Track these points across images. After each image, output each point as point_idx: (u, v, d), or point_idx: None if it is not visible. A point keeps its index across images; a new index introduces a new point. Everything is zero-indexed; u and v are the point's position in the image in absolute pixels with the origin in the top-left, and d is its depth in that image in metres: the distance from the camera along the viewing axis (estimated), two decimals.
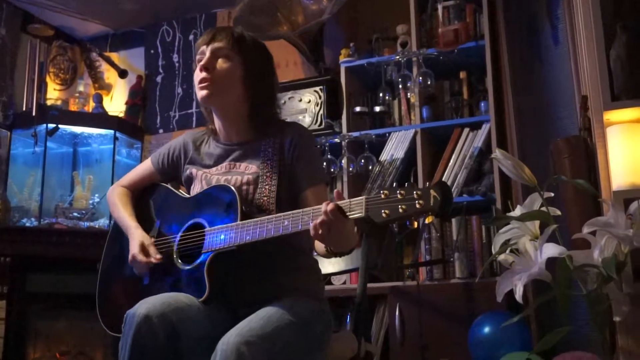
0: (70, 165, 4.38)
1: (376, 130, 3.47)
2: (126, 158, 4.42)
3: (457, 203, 3.06)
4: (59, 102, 4.42)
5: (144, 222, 2.00)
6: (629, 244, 1.72)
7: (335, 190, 1.60)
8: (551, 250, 1.67)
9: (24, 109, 4.22)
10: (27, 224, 3.92)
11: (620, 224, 1.71)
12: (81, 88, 4.54)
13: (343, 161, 3.41)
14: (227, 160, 1.96)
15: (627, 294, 1.81)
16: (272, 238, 1.68)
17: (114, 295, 2.03)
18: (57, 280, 3.81)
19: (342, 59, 3.59)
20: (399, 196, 1.46)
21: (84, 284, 3.51)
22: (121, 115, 4.44)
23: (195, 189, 1.96)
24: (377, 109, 3.55)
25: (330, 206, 1.53)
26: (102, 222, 4.08)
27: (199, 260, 1.80)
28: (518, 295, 1.68)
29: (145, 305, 1.64)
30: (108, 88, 4.65)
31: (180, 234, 1.91)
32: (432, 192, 1.43)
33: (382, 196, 1.48)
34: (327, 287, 2.82)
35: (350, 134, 3.44)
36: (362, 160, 3.38)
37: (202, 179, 1.96)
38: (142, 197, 2.12)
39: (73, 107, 4.43)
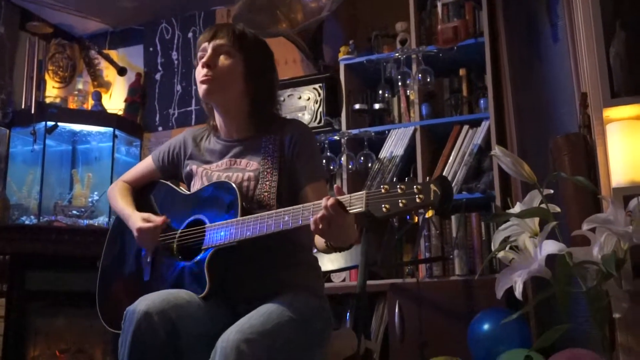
0: (69, 163, 4.38)
1: (375, 127, 3.47)
2: (125, 156, 4.41)
3: (456, 200, 3.06)
4: (57, 100, 4.41)
5: None
6: (629, 240, 1.72)
7: (335, 186, 1.60)
8: (551, 247, 1.68)
9: (22, 106, 4.21)
10: (27, 222, 3.92)
11: (620, 220, 1.71)
12: (80, 86, 4.53)
13: (342, 158, 3.42)
14: (228, 156, 1.96)
15: (626, 291, 1.81)
16: (272, 234, 1.68)
17: (114, 292, 2.03)
18: (56, 278, 3.81)
19: (341, 56, 3.59)
20: (399, 191, 1.47)
21: (84, 282, 3.52)
22: (120, 113, 4.44)
23: (196, 185, 1.97)
24: (377, 106, 3.55)
25: (331, 201, 1.54)
26: (102, 220, 4.08)
27: (199, 257, 1.80)
28: (518, 292, 1.68)
29: (145, 302, 1.64)
30: (107, 86, 4.65)
31: (180, 230, 1.91)
32: (433, 187, 1.44)
33: (383, 191, 1.49)
34: (327, 285, 2.82)
35: (349, 131, 3.44)
36: (362, 158, 3.38)
37: (202, 176, 1.96)
38: (142, 193, 2.12)
39: (72, 105, 4.43)
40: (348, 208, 1.54)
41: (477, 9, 3.38)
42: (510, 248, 1.81)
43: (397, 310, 3.02)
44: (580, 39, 2.46)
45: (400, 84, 3.39)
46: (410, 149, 3.32)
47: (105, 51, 4.59)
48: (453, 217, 3.13)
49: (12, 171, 4.07)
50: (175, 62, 4.51)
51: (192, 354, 1.67)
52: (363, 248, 2.22)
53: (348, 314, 3.15)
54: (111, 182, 4.01)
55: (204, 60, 1.91)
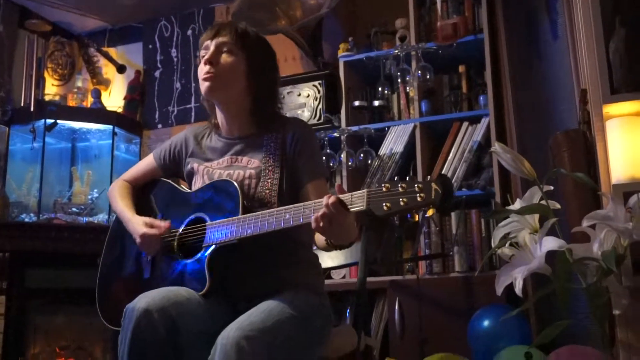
0: (68, 160, 4.38)
1: (375, 124, 3.47)
2: (125, 153, 4.42)
3: (456, 197, 3.06)
4: (57, 98, 4.41)
5: (145, 216, 1.99)
6: (629, 237, 1.72)
7: (337, 184, 1.60)
8: (551, 243, 1.67)
9: (22, 104, 4.21)
10: (26, 220, 3.92)
11: (620, 217, 1.71)
12: (79, 83, 4.53)
13: (342, 155, 3.42)
14: (229, 154, 1.97)
15: (626, 287, 1.81)
16: (273, 231, 1.68)
17: (113, 290, 2.03)
18: (56, 275, 3.81)
19: (340, 53, 3.59)
20: (400, 189, 1.47)
21: (83, 279, 3.51)
22: (120, 110, 4.44)
23: (197, 183, 1.97)
24: (376, 103, 3.55)
25: (332, 199, 1.54)
26: (101, 218, 4.08)
27: (199, 255, 1.81)
28: (518, 289, 1.68)
29: (145, 299, 1.64)
30: (106, 83, 4.64)
31: (181, 228, 1.91)
32: (434, 186, 1.44)
33: (384, 189, 1.49)
34: (327, 282, 2.82)
35: (349, 128, 3.44)
36: (361, 155, 3.38)
37: (203, 174, 1.96)
38: (143, 192, 2.12)
39: (71, 103, 4.43)
40: (349, 206, 1.54)
41: (476, 6, 3.38)
42: (510, 245, 1.81)
43: (397, 307, 3.02)
44: (580, 36, 2.45)
45: (399, 80, 3.39)
46: (410, 145, 3.32)
47: (105, 49, 4.59)
48: (453, 214, 3.13)
49: (11, 169, 4.06)
50: (175, 59, 4.51)
51: (191, 351, 1.68)
52: (363, 245, 2.22)
53: (348, 310, 3.16)
54: (111, 180, 4.05)
55: (206, 57, 1.91)
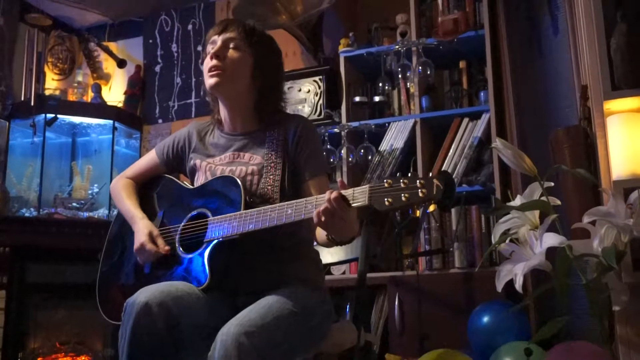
0: (69, 155, 4.37)
1: (375, 120, 3.47)
2: (125, 148, 4.41)
3: (456, 193, 3.05)
4: (57, 92, 4.40)
5: (148, 212, 2.00)
6: (629, 233, 1.72)
7: (339, 180, 1.61)
8: (551, 239, 1.68)
9: (22, 99, 4.20)
10: (27, 214, 3.92)
11: (620, 213, 1.71)
12: (80, 78, 4.52)
13: (342, 151, 3.41)
14: (231, 149, 1.97)
15: (626, 284, 1.81)
16: (275, 227, 1.69)
17: (114, 285, 2.03)
18: (56, 270, 3.81)
19: (341, 48, 3.58)
20: (402, 185, 1.48)
21: (84, 274, 3.52)
22: (120, 105, 4.43)
23: (200, 180, 1.98)
24: (377, 98, 3.54)
25: (334, 194, 1.55)
26: (102, 212, 4.08)
27: (200, 249, 1.81)
28: (518, 285, 1.68)
29: (145, 294, 1.65)
30: (106, 78, 4.64)
31: (183, 223, 1.91)
32: (435, 182, 1.45)
33: (386, 185, 1.50)
34: (327, 277, 2.82)
35: (349, 124, 3.44)
36: (362, 151, 3.38)
37: (206, 170, 1.97)
38: (146, 188, 2.12)
39: (71, 97, 4.42)
40: (351, 202, 1.55)
41: (477, 1, 3.37)
42: (511, 241, 1.81)
43: (397, 302, 3.02)
44: (581, 31, 2.45)
45: (400, 76, 3.38)
46: (410, 141, 3.32)
47: (105, 43, 4.58)
48: (453, 210, 3.13)
49: (11, 163, 4.06)
50: (175, 54, 4.50)
51: (191, 345, 1.68)
52: (363, 241, 2.22)
53: (348, 306, 3.16)
54: (111, 175, 4.05)
55: (213, 51, 1.93)
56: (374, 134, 3.41)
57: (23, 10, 4.31)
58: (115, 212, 3.84)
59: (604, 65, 2.20)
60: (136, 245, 1.90)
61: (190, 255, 1.83)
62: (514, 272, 1.71)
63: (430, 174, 1.48)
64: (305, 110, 3.47)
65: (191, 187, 2.00)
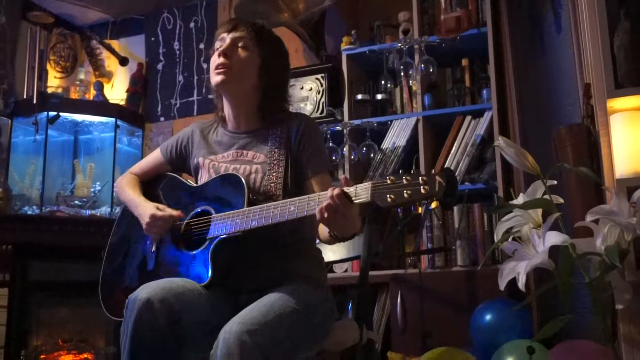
0: (71, 153, 4.38)
1: (378, 118, 3.46)
2: (127, 146, 4.42)
3: (459, 191, 3.05)
4: (59, 90, 4.40)
5: None
6: (632, 232, 1.71)
7: (342, 177, 1.61)
8: (554, 238, 1.67)
9: (24, 96, 4.21)
10: (29, 212, 3.92)
11: (624, 212, 1.70)
12: (82, 76, 4.52)
13: (345, 149, 3.41)
14: (234, 147, 1.99)
15: (629, 282, 1.80)
16: (277, 223, 1.70)
17: (117, 282, 2.04)
18: (58, 268, 3.82)
19: (343, 46, 3.58)
20: (404, 181, 1.49)
21: (86, 272, 3.53)
22: (122, 103, 4.43)
23: (203, 178, 1.99)
24: (379, 96, 3.54)
25: (337, 191, 1.57)
26: (104, 210, 4.08)
27: (203, 246, 1.82)
28: (521, 284, 1.67)
29: (147, 290, 1.65)
30: (109, 76, 4.63)
31: (186, 221, 1.92)
32: (438, 179, 1.46)
33: (388, 182, 1.51)
34: (329, 275, 2.82)
35: (351, 121, 3.44)
36: (364, 148, 3.38)
37: (209, 168, 1.98)
38: (150, 185, 2.14)
39: (74, 95, 4.42)
40: (354, 198, 1.56)
41: None
42: (513, 239, 1.81)
43: (399, 300, 3.02)
44: (584, 29, 2.44)
45: (402, 74, 3.38)
46: (413, 139, 3.31)
47: (107, 41, 4.58)
48: (455, 208, 3.13)
49: (14, 161, 4.06)
50: (177, 52, 4.50)
51: (193, 341, 1.69)
52: (365, 239, 2.22)
53: (350, 304, 3.16)
54: (113, 173, 4.06)
55: (221, 49, 1.94)
56: (376, 131, 3.41)
57: (25, 8, 4.31)
58: (117, 210, 3.86)
59: (607, 63, 2.20)
60: (146, 218, 1.90)
61: (193, 252, 1.84)
62: (517, 271, 1.70)
63: (433, 171, 1.49)
64: (308, 108, 3.47)
65: (195, 184, 2.02)
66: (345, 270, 3.28)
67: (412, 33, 3.45)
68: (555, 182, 1.84)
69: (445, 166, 3.17)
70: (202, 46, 4.39)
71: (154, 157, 2.17)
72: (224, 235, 1.78)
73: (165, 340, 1.63)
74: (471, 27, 3.29)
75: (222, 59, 1.92)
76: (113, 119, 4.20)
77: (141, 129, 4.44)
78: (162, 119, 4.46)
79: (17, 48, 4.27)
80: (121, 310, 1.69)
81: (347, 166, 3.41)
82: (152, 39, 4.60)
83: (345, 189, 1.58)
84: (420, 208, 3.01)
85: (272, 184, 1.86)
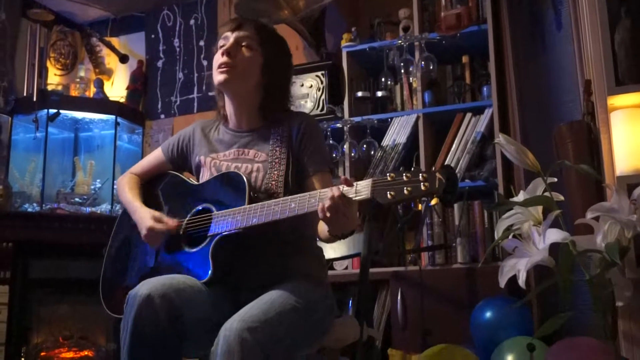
0: (71, 150, 4.38)
1: (378, 115, 3.46)
2: (127, 143, 4.41)
3: (459, 188, 3.05)
4: (59, 88, 4.40)
5: (153, 208, 2.01)
6: (632, 229, 1.72)
7: (342, 178, 1.62)
8: (554, 235, 1.67)
9: (24, 94, 4.21)
10: (29, 210, 3.92)
11: (624, 209, 1.71)
12: (82, 73, 4.52)
13: (345, 146, 3.41)
14: (235, 146, 1.99)
15: (630, 279, 1.81)
16: (278, 221, 1.70)
17: (118, 279, 2.05)
18: (59, 265, 3.82)
19: (343, 43, 3.57)
20: (404, 178, 1.50)
21: (86, 269, 3.54)
22: (122, 100, 4.43)
23: (205, 176, 1.99)
24: (379, 94, 3.54)
25: (337, 192, 1.57)
26: (104, 208, 4.09)
27: (204, 243, 1.82)
28: (521, 281, 1.68)
29: (147, 286, 1.66)
30: (109, 73, 4.63)
31: (187, 218, 1.92)
32: (438, 175, 1.47)
33: (389, 178, 1.52)
34: (329, 272, 2.82)
35: (352, 119, 3.43)
36: (364, 146, 3.37)
37: (211, 166, 1.98)
38: (151, 184, 2.14)
39: (74, 93, 4.42)
40: (354, 195, 1.57)
41: None
42: (514, 236, 1.81)
43: (399, 298, 3.02)
44: (585, 26, 2.44)
45: (402, 71, 3.38)
46: (413, 136, 3.31)
47: (107, 38, 4.57)
48: (456, 205, 3.13)
49: (14, 159, 4.06)
50: (177, 49, 4.50)
51: (193, 337, 1.69)
52: (366, 236, 2.22)
53: (350, 301, 3.16)
54: (113, 170, 4.06)
55: (225, 47, 1.94)
56: (376, 129, 3.40)
57: (25, 6, 4.30)
58: (118, 208, 3.87)
59: (608, 60, 2.20)
60: (144, 230, 1.91)
61: (193, 250, 1.84)
62: (517, 268, 1.71)
63: (433, 168, 1.49)
64: (308, 106, 3.47)
65: (196, 183, 2.02)
66: (346, 268, 3.28)
67: (413, 30, 3.45)
68: (556, 180, 1.84)
69: (446, 163, 3.17)
70: (202, 43, 4.38)
71: (155, 156, 2.17)
72: (225, 233, 1.78)
73: (165, 336, 1.63)
74: (471, 24, 3.29)
75: (225, 58, 1.92)
76: (113, 117, 4.20)
77: (141, 126, 4.44)
78: (162, 116, 4.46)
79: (17, 45, 4.27)
80: (122, 308, 1.69)
81: (347, 163, 3.41)
82: (152, 36, 4.59)
83: (346, 188, 1.58)
84: (420, 205, 3.02)
85: (273, 182, 1.86)
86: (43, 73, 4.35)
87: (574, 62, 2.69)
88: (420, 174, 1.48)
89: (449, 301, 2.96)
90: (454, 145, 3.21)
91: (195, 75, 4.38)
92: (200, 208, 1.92)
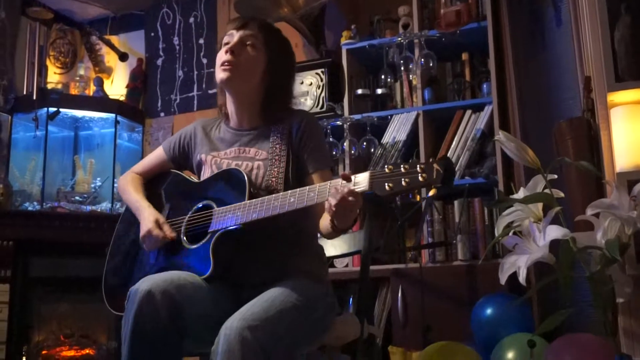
0: (71, 149, 4.38)
1: (378, 112, 3.46)
2: (127, 142, 4.41)
3: (459, 185, 3.06)
4: (59, 86, 4.40)
5: (155, 206, 2.02)
6: (632, 225, 1.72)
7: (341, 174, 1.62)
8: (554, 232, 1.67)
9: (24, 92, 4.21)
10: (30, 208, 3.93)
11: (624, 205, 1.71)
12: (82, 72, 4.52)
13: (345, 144, 3.41)
14: (236, 144, 2.00)
15: (630, 276, 1.81)
16: (278, 217, 1.70)
17: (119, 276, 2.05)
18: (59, 263, 3.83)
19: (343, 41, 3.57)
20: (402, 170, 1.51)
21: (87, 268, 3.55)
22: (122, 98, 4.43)
23: (206, 174, 2.00)
24: (379, 91, 3.54)
25: (346, 189, 1.57)
26: (104, 206, 4.09)
27: (205, 240, 1.82)
28: (522, 278, 1.68)
29: (148, 282, 1.66)
30: (108, 71, 4.63)
31: (188, 215, 1.92)
32: (435, 166, 1.47)
33: (387, 170, 1.53)
34: (330, 270, 2.82)
35: (352, 116, 3.43)
36: (364, 143, 3.37)
37: (212, 164, 1.99)
38: (153, 183, 2.15)
39: (74, 91, 4.42)
40: (353, 187, 1.57)
41: None
42: (514, 233, 1.81)
43: (399, 295, 3.03)
44: (585, 23, 2.44)
45: (402, 68, 3.38)
46: (413, 134, 3.31)
47: (107, 37, 4.57)
48: (456, 202, 3.13)
49: (14, 157, 4.06)
50: (177, 47, 4.49)
51: (193, 334, 1.70)
52: (366, 234, 2.22)
53: (351, 299, 3.16)
54: (113, 168, 4.06)
55: (229, 45, 1.94)
56: (376, 126, 3.40)
57: (24, 4, 4.30)
58: (118, 206, 3.87)
59: (608, 57, 2.20)
60: (143, 232, 1.92)
61: (195, 246, 1.85)
62: (518, 265, 1.71)
63: (431, 160, 1.49)
64: (308, 103, 3.47)
65: (197, 180, 2.03)
66: (346, 265, 3.28)
67: (412, 27, 3.44)
68: (556, 176, 1.84)
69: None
70: (201, 41, 4.38)
71: (156, 155, 2.18)
72: (226, 228, 1.78)
73: (166, 333, 1.63)
74: (471, 21, 3.29)
75: (229, 56, 1.93)
76: (113, 115, 4.20)
77: (141, 124, 4.44)
78: (162, 114, 4.46)
79: (17, 44, 4.27)
80: (123, 305, 1.70)
81: (347, 161, 3.41)
82: (152, 34, 4.59)
83: (344, 182, 1.59)
84: (418, 196, 3.02)
85: (274, 179, 1.87)
86: (43, 71, 4.35)
87: (573, 59, 2.68)
88: (418, 165, 1.49)
89: (450, 298, 2.96)
90: (453, 143, 3.21)
91: (195, 73, 4.38)
92: (201, 205, 1.93)
